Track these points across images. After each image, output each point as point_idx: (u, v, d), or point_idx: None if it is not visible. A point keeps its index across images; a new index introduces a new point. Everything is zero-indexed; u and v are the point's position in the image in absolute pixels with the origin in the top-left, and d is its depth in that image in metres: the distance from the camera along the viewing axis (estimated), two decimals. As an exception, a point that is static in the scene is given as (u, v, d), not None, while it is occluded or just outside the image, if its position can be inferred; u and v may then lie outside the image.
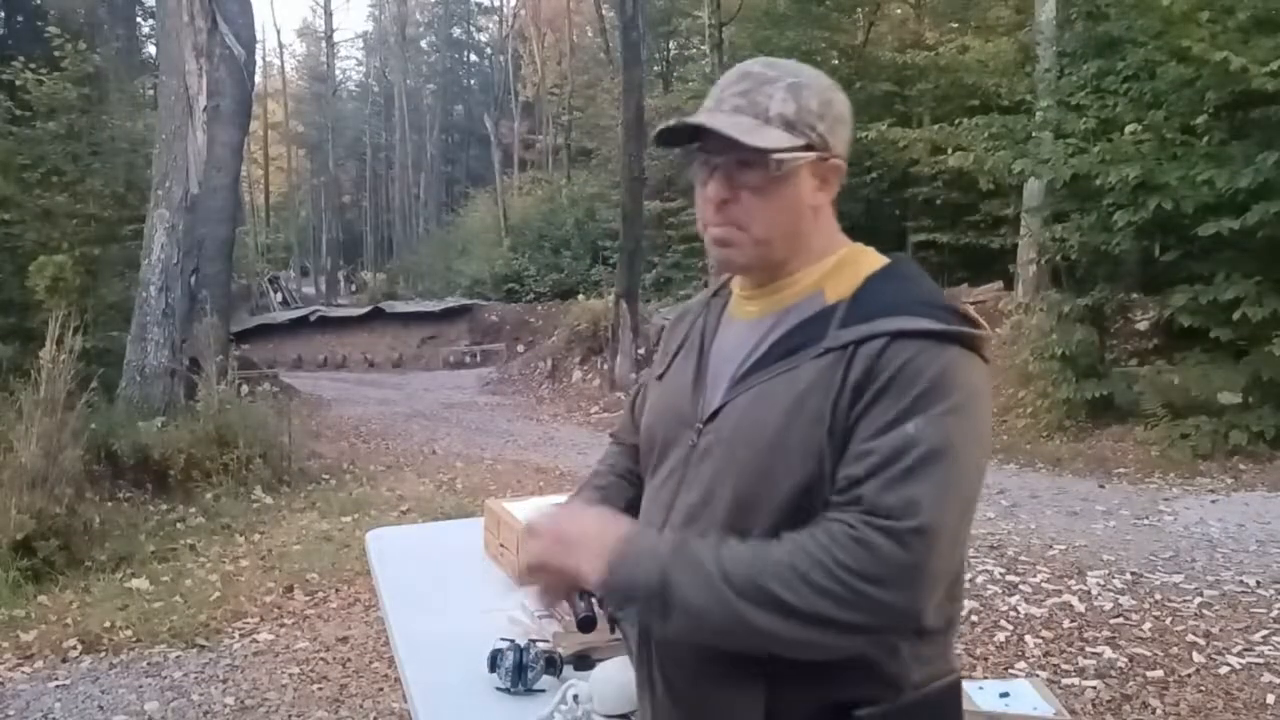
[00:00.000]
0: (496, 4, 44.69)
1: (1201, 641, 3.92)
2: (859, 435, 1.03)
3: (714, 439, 1.14)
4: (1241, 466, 7.22)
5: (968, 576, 4.78)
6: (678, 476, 1.18)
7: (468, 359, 19.44)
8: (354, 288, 36.10)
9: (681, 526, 1.13)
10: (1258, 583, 4.64)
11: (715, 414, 1.15)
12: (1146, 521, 5.95)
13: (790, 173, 1.12)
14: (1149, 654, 3.80)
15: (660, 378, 1.31)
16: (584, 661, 1.76)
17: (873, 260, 1.18)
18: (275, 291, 28.04)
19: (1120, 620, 4.19)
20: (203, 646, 4.21)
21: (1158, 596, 4.48)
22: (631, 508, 1.31)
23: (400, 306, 22.11)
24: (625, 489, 1.39)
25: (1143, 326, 10.23)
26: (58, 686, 3.83)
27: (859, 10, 18.11)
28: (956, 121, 10.20)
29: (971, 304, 12.52)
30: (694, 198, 1.18)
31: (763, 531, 1.06)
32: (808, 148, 1.12)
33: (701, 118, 1.13)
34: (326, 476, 7.84)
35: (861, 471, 1.01)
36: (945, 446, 1.01)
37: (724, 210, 1.14)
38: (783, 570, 0.99)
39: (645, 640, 1.20)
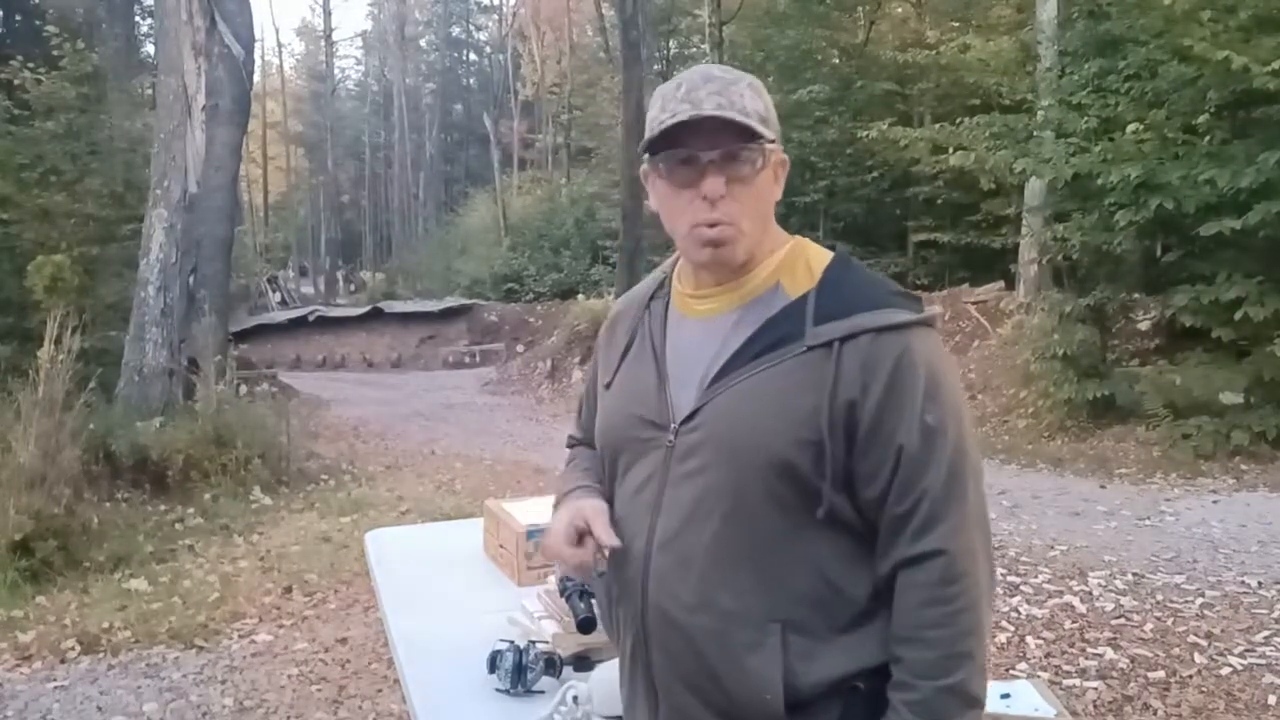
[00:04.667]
0: (496, 3, 44.73)
1: (1203, 642, 3.91)
2: (882, 428, 1.11)
3: (698, 439, 1.16)
4: (1243, 467, 7.20)
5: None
6: (658, 480, 1.19)
7: (467, 359, 19.41)
8: (353, 287, 36.07)
9: (677, 528, 1.17)
10: (1259, 583, 4.63)
11: (693, 415, 1.17)
12: (1148, 522, 5.93)
13: (764, 166, 1.18)
14: (1150, 655, 3.79)
15: (609, 385, 1.31)
16: (583, 663, 1.75)
17: (818, 251, 1.23)
18: (274, 291, 27.99)
19: (1122, 621, 4.17)
20: (201, 647, 4.20)
21: (1159, 597, 4.47)
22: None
23: (399, 306, 22.07)
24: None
25: (1144, 326, 10.22)
26: (56, 687, 3.82)
27: (860, 9, 18.09)
28: (958, 121, 10.19)
29: (973, 304, 12.63)
30: (738, 192, 1.17)
31: (752, 518, 1.13)
32: (772, 142, 1.18)
33: (712, 109, 1.14)
34: (325, 477, 7.82)
35: (920, 518, 1.12)
36: (959, 427, 1.14)
37: (720, 207, 1.16)
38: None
39: (641, 643, 1.23)
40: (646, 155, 1.19)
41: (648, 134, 1.18)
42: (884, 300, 1.15)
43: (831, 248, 1.25)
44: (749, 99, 1.16)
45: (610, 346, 1.35)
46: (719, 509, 1.14)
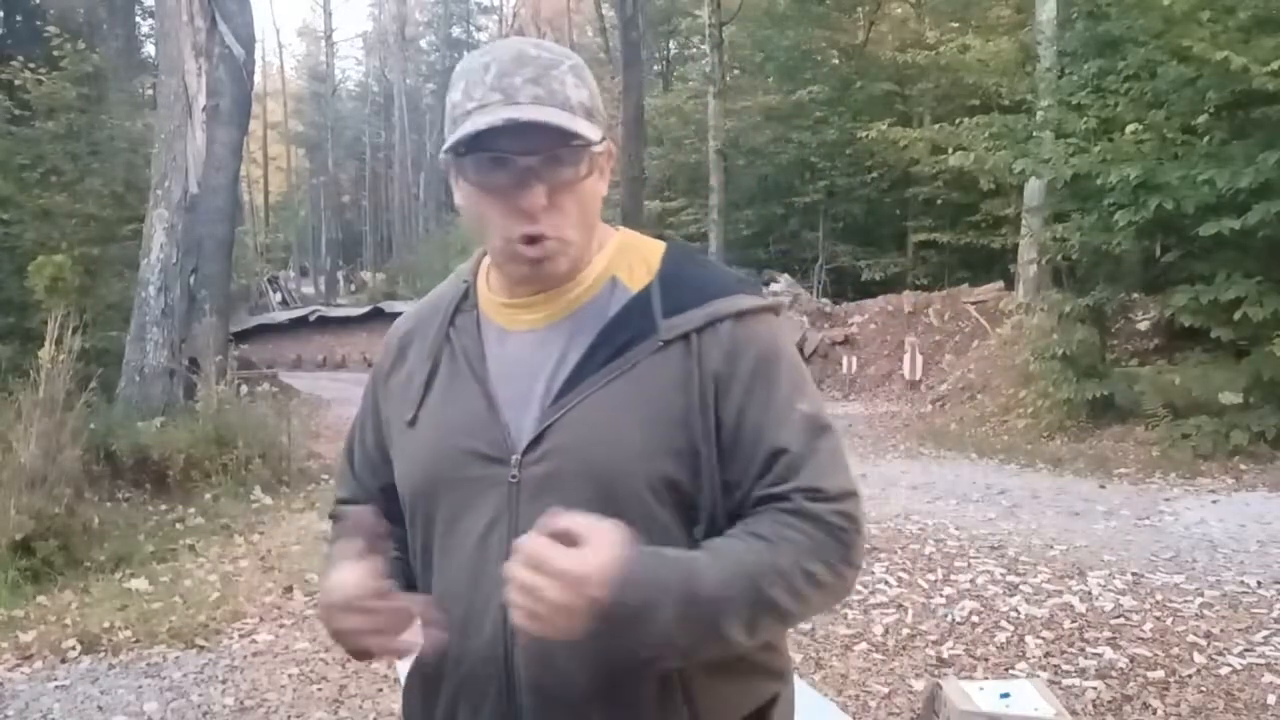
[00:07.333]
0: (496, 3, 44.78)
1: (1202, 642, 3.91)
2: (749, 423, 0.99)
3: (551, 469, 0.98)
4: (1242, 467, 7.21)
5: (969, 577, 4.77)
6: (505, 522, 0.99)
7: (467, 359, 19.45)
8: (353, 287, 36.13)
9: None
10: (1259, 583, 4.63)
11: (537, 441, 0.99)
12: (1147, 522, 5.94)
13: (593, 166, 1.01)
14: (1150, 654, 3.79)
15: (414, 421, 1.08)
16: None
17: (647, 242, 1.11)
18: (275, 291, 28.07)
19: (1121, 621, 4.18)
20: (202, 647, 4.20)
21: (1159, 597, 4.47)
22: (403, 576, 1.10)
23: (400, 306, 21.96)
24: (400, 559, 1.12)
25: (1144, 326, 10.23)
26: (57, 687, 3.82)
27: (859, 10, 18.12)
28: (957, 121, 10.22)
29: (972, 304, 12.65)
30: (561, 201, 0.99)
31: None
32: (601, 138, 1.02)
33: (530, 113, 0.96)
34: (326, 477, 7.81)
35: (783, 467, 0.98)
36: (822, 410, 1.06)
37: (545, 218, 0.98)
38: (771, 575, 0.94)
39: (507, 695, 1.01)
40: (448, 152, 0.99)
41: (449, 125, 0.99)
42: (734, 286, 1.04)
43: (660, 237, 1.12)
44: (572, 87, 0.98)
45: (402, 376, 1.12)
46: None
